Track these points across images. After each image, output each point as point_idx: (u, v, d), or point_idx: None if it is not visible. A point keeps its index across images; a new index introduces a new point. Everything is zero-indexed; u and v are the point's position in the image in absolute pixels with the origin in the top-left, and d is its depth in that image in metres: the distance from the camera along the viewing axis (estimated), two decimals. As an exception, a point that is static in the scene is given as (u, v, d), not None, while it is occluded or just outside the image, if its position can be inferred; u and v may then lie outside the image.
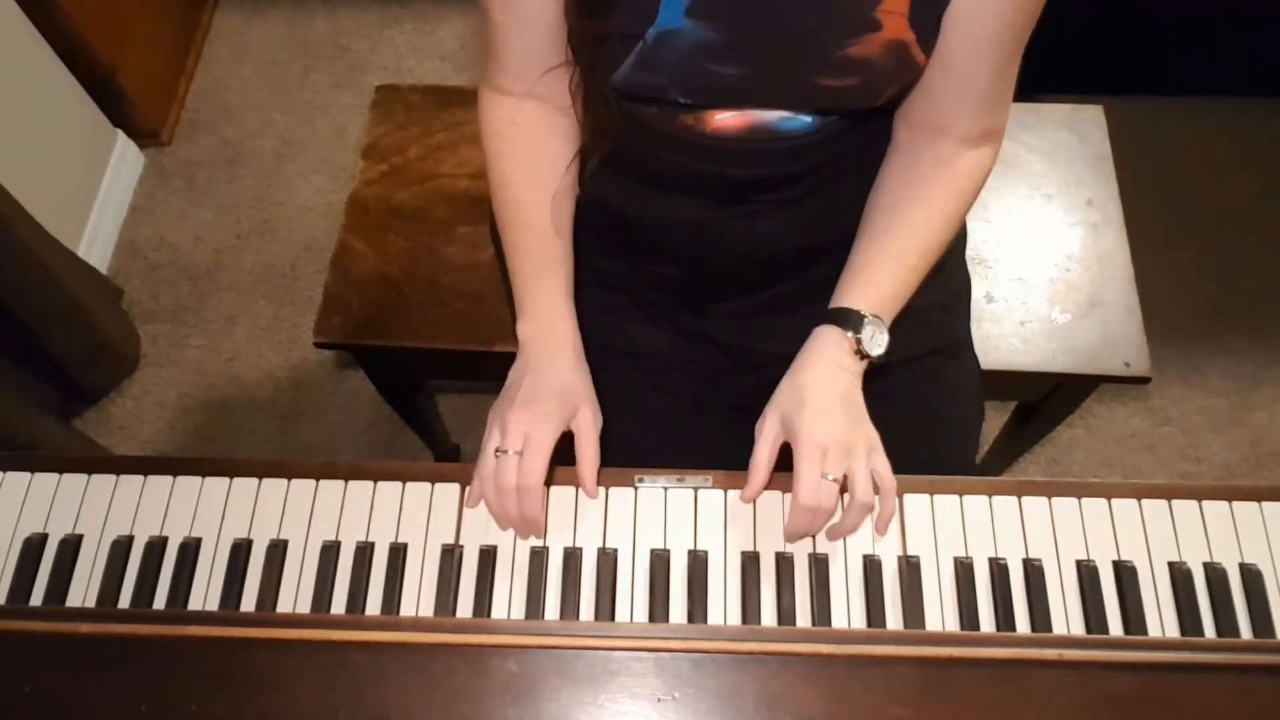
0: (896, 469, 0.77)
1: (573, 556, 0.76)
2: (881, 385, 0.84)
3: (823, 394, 0.77)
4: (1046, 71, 1.74)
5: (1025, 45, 0.78)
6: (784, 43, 0.73)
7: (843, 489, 0.76)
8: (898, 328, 0.82)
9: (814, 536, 0.78)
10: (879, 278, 0.82)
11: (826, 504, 0.74)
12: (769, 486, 0.79)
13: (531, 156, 0.87)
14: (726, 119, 0.80)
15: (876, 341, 0.79)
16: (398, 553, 0.77)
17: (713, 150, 0.83)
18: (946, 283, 0.99)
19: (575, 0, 0.76)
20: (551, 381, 0.80)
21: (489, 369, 1.26)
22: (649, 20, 0.72)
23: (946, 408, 0.97)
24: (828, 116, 0.81)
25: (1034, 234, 1.21)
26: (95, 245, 1.85)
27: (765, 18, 0.72)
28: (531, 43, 0.82)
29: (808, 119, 0.81)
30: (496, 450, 0.77)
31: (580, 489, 0.80)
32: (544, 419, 0.77)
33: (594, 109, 0.84)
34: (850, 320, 0.79)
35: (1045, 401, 1.26)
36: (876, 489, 0.76)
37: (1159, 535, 0.77)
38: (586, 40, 0.78)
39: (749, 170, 0.85)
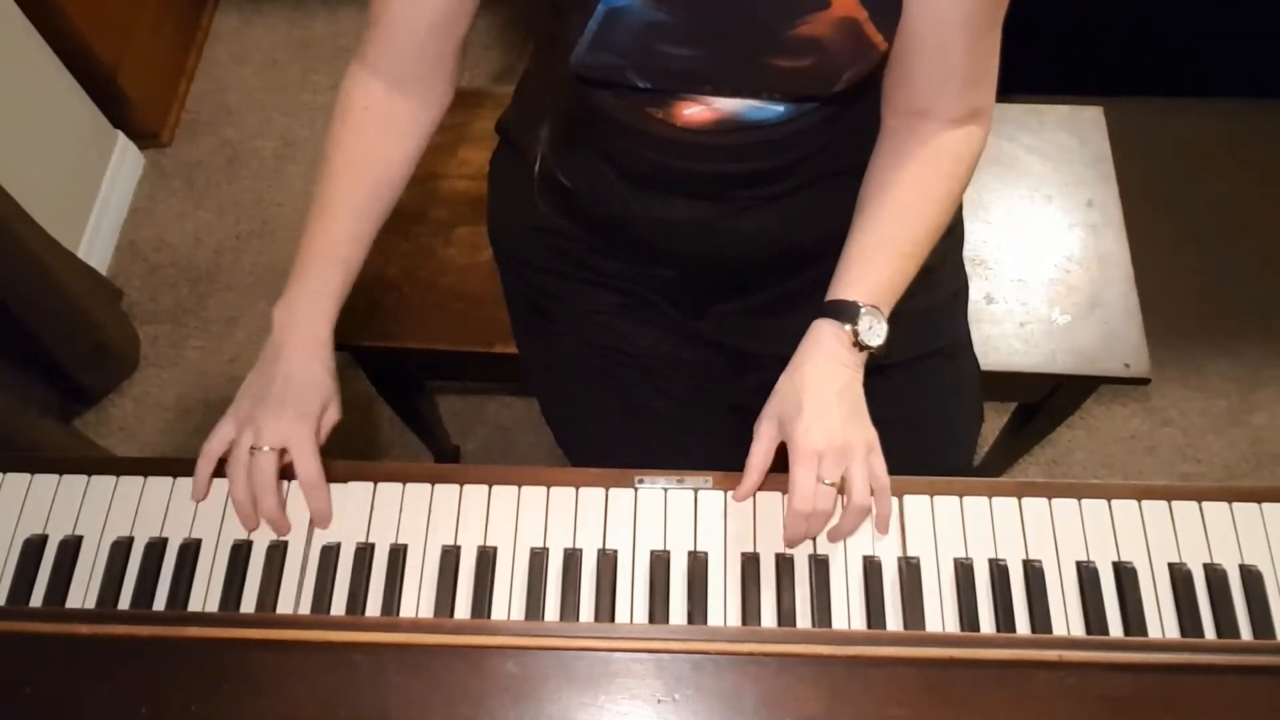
0: (895, 470, 0.77)
1: (572, 557, 0.76)
2: (880, 386, 0.83)
3: (820, 393, 0.76)
4: (1046, 72, 1.75)
5: (1002, 19, 0.77)
6: (733, 22, 0.72)
7: (840, 489, 0.76)
8: (895, 329, 0.81)
9: (814, 539, 0.78)
10: (873, 267, 0.81)
11: (823, 508, 0.74)
12: (771, 488, 0.79)
13: (364, 154, 0.86)
14: (696, 112, 0.80)
15: (875, 332, 0.78)
16: (397, 554, 0.77)
17: (689, 146, 0.82)
18: (944, 283, 0.98)
19: None
20: (305, 381, 0.80)
21: (489, 370, 1.26)
22: None
23: (946, 409, 0.97)
24: (799, 105, 0.80)
25: (1034, 235, 1.21)
26: (95, 246, 1.85)
27: None
28: (414, 21, 0.81)
29: (778, 109, 0.80)
30: (252, 448, 0.77)
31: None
32: (298, 420, 0.78)
33: (556, 90, 0.83)
34: (846, 312, 0.78)
35: (1045, 402, 1.26)
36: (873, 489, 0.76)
37: (1159, 536, 0.77)
38: (543, 13, 0.77)
39: (726, 165, 0.84)
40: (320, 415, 0.80)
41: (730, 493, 0.79)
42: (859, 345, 0.78)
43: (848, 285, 0.80)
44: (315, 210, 0.84)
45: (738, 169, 0.85)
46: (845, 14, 0.71)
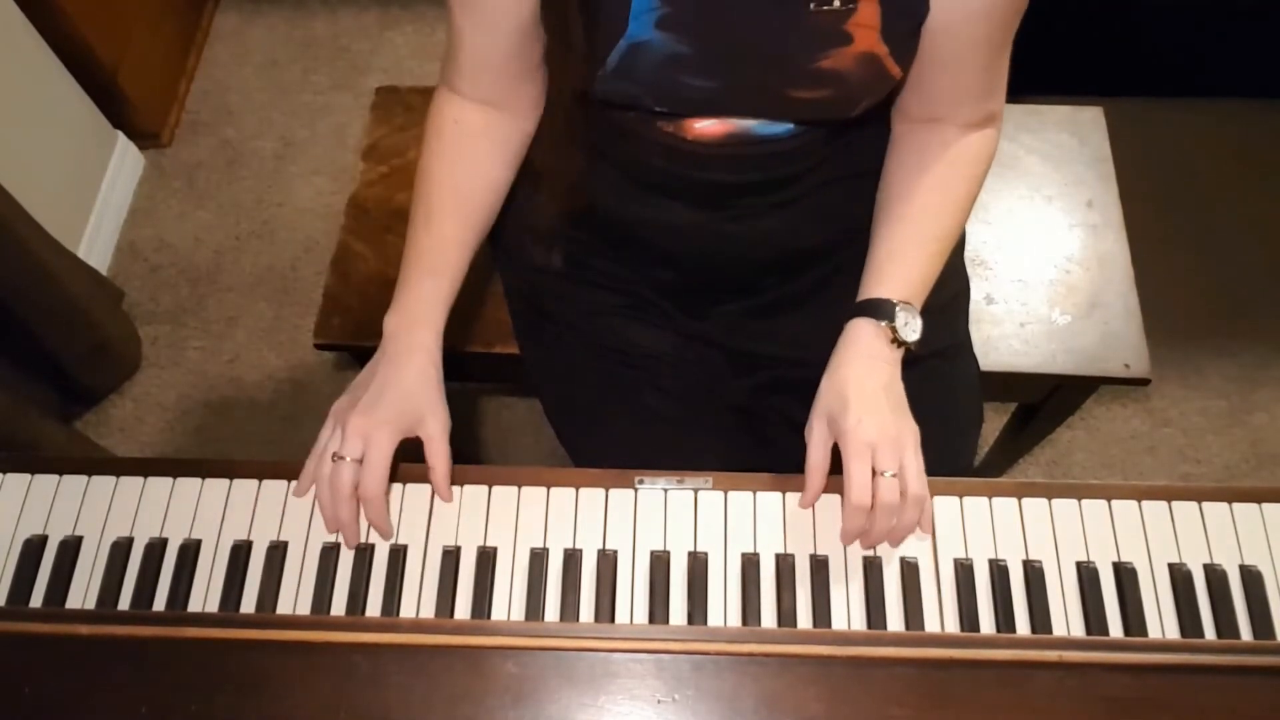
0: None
1: (572, 558, 0.76)
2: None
3: (865, 389, 0.76)
4: (1046, 73, 1.75)
5: (1015, 33, 0.78)
6: (754, 55, 0.73)
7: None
8: None
9: (873, 545, 0.77)
10: (904, 265, 0.82)
11: (887, 500, 0.73)
12: (770, 488, 0.79)
13: (461, 162, 0.86)
14: (707, 126, 0.81)
15: (911, 328, 0.79)
16: (397, 554, 0.77)
17: (697, 156, 0.83)
18: (945, 285, 0.98)
19: (544, 12, 0.76)
20: (399, 387, 0.79)
21: (489, 370, 1.26)
22: (619, 32, 0.72)
23: (945, 409, 0.97)
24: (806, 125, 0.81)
25: (1034, 236, 1.21)
26: (95, 246, 1.85)
27: (735, 31, 0.72)
28: (490, 48, 0.82)
29: (788, 125, 0.81)
30: (335, 455, 0.77)
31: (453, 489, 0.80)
32: (382, 426, 0.77)
33: (570, 112, 0.83)
34: (883, 310, 0.79)
35: (1045, 403, 1.26)
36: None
37: (1159, 537, 0.77)
38: (562, 47, 0.78)
39: (733, 175, 0.85)
40: (412, 425, 0.79)
41: (731, 493, 0.79)
42: (897, 341, 0.79)
43: (880, 283, 0.81)
44: (419, 219, 0.85)
45: (744, 178, 0.85)
46: (867, 49, 0.72)
